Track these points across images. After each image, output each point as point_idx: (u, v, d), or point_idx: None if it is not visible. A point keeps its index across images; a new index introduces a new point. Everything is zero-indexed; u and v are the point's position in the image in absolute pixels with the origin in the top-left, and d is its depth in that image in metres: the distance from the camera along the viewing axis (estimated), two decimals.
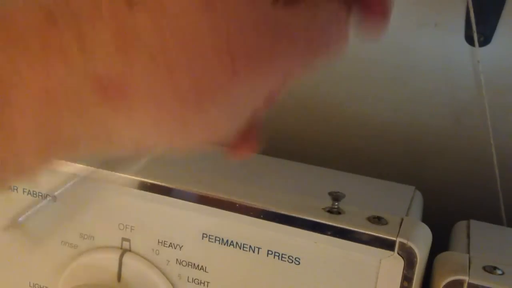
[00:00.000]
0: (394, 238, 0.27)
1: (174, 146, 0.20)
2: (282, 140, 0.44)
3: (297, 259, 0.29)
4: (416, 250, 0.26)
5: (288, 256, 0.29)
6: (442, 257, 0.29)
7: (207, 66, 0.18)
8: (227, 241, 0.30)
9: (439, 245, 0.30)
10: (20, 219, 0.33)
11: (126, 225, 0.32)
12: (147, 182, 0.31)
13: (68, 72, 0.17)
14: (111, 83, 0.17)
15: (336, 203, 0.28)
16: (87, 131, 0.18)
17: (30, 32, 0.17)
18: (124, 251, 0.32)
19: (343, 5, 0.21)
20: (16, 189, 0.34)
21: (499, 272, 0.27)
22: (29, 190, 0.33)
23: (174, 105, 0.18)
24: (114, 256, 0.32)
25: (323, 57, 0.20)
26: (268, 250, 0.29)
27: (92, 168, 0.32)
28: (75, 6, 0.17)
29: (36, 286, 0.35)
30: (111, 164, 0.32)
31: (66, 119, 0.17)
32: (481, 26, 0.38)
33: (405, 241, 0.27)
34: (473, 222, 0.33)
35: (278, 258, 0.29)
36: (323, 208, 0.29)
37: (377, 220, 0.28)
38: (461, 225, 0.33)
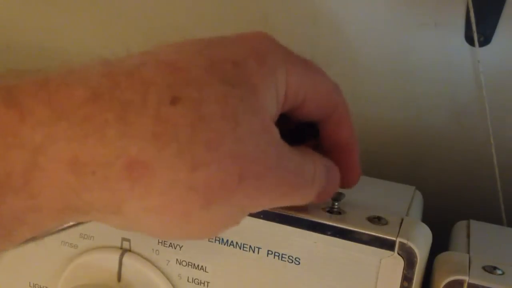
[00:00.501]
0: (394, 238, 0.27)
1: (168, 236, 0.22)
2: None
3: (297, 259, 0.29)
4: (416, 250, 0.26)
5: (288, 256, 0.29)
6: (442, 257, 0.29)
7: (221, 173, 0.20)
8: (227, 241, 0.30)
9: (439, 245, 0.30)
10: None
11: None
12: None
13: (102, 148, 0.18)
14: (140, 163, 0.19)
15: (336, 203, 0.28)
16: (101, 200, 0.19)
17: (73, 106, 0.18)
18: (124, 251, 0.32)
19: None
20: None
21: (499, 272, 0.27)
22: None
23: (186, 195, 0.20)
24: (114, 256, 0.32)
25: (295, 200, 0.24)
26: (268, 250, 0.29)
27: None
28: (122, 93, 0.19)
29: (36, 286, 0.35)
30: None
31: (87, 189, 0.19)
32: (481, 26, 0.38)
33: (405, 241, 0.27)
34: (473, 222, 0.33)
35: (278, 258, 0.29)
36: (323, 208, 0.29)
37: (377, 220, 0.28)
38: (461, 225, 0.33)
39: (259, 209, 0.23)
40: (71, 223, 0.23)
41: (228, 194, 0.20)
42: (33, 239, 0.21)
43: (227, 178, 0.20)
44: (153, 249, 0.32)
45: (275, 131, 0.22)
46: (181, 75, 0.20)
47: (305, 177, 0.23)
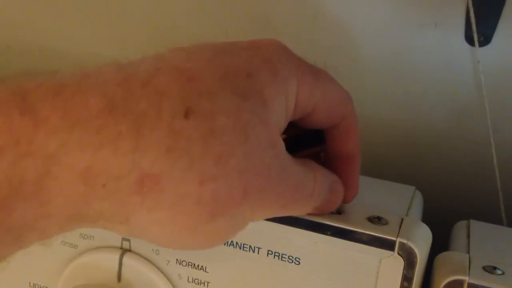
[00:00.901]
0: (394, 238, 0.27)
1: (173, 246, 0.22)
2: None
3: (297, 259, 0.29)
4: (416, 250, 0.26)
5: (288, 256, 0.29)
6: (442, 257, 0.29)
7: (227, 187, 0.20)
8: (227, 241, 0.30)
9: (439, 245, 0.30)
10: None
11: None
12: None
13: (114, 160, 0.18)
14: (151, 177, 0.19)
15: None
16: (110, 211, 0.19)
17: (87, 115, 0.18)
18: (124, 251, 0.32)
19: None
20: None
21: (499, 272, 0.27)
22: None
23: (194, 208, 0.20)
24: (114, 256, 0.32)
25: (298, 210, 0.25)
26: (268, 250, 0.29)
27: None
28: (136, 104, 0.19)
29: (36, 286, 0.35)
30: None
31: (97, 199, 0.19)
32: (481, 26, 0.38)
33: (405, 241, 0.27)
34: (473, 222, 0.33)
35: (278, 258, 0.29)
36: None
37: (377, 220, 0.28)
38: (461, 225, 0.33)
39: (259, 219, 0.23)
40: None
41: (233, 207, 0.21)
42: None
43: (233, 191, 0.20)
44: (153, 249, 0.32)
45: (281, 145, 0.22)
46: (195, 86, 0.20)
47: (305, 192, 0.24)
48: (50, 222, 0.19)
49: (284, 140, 0.25)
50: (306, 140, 0.27)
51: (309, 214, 0.28)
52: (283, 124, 0.23)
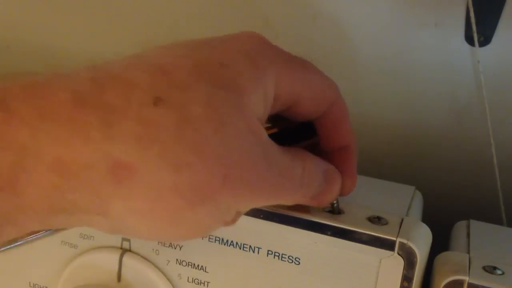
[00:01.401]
0: (394, 238, 0.27)
1: (155, 237, 0.22)
2: None
3: (297, 259, 0.29)
4: (416, 250, 0.26)
5: (288, 256, 0.29)
6: (442, 257, 0.29)
7: (204, 174, 0.20)
8: (227, 241, 0.30)
9: (439, 245, 0.30)
10: None
11: None
12: None
13: (85, 149, 0.19)
14: (123, 165, 0.19)
15: (335, 202, 0.28)
16: (86, 201, 0.20)
17: (57, 108, 0.19)
18: (124, 251, 0.32)
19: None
20: None
21: (499, 272, 0.27)
22: None
23: (170, 197, 0.20)
24: (114, 256, 0.32)
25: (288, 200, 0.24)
26: (268, 250, 0.29)
27: None
28: (106, 95, 0.19)
29: (36, 286, 0.35)
30: None
31: (72, 189, 0.19)
32: (481, 26, 0.38)
33: (405, 241, 0.27)
34: (473, 222, 0.33)
35: (278, 258, 0.29)
36: (323, 208, 0.29)
37: (377, 220, 0.28)
38: (461, 225, 0.33)
39: (248, 209, 0.23)
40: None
41: (212, 195, 0.20)
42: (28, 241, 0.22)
43: (210, 178, 0.20)
44: (153, 249, 0.32)
45: (262, 132, 0.22)
46: (165, 77, 0.20)
47: (293, 178, 0.23)
48: (27, 215, 0.19)
49: (274, 134, 0.25)
50: (298, 134, 0.26)
51: (307, 206, 0.28)
52: (262, 114, 0.23)
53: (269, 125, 0.26)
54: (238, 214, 0.25)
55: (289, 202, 0.25)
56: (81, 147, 0.19)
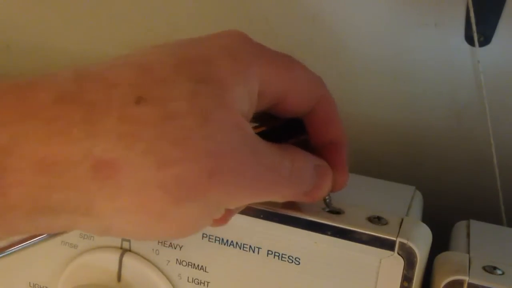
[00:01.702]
0: (394, 238, 0.27)
1: (143, 237, 0.21)
2: None
3: (297, 259, 0.29)
4: (416, 250, 0.26)
5: (288, 256, 0.29)
6: (442, 257, 0.29)
7: (190, 170, 0.20)
8: (227, 241, 0.30)
9: (439, 245, 0.30)
10: None
11: None
12: None
13: (68, 148, 0.19)
14: (106, 163, 0.19)
15: (327, 197, 0.28)
16: (71, 200, 0.19)
17: (38, 108, 0.19)
18: (124, 251, 0.32)
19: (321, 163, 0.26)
20: None
21: (499, 272, 0.27)
22: None
23: (157, 194, 0.20)
24: (114, 256, 0.32)
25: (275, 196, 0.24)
26: (268, 250, 0.29)
27: None
28: (88, 95, 0.19)
29: (36, 286, 0.35)
30: None
31: (56, 188, 0.19)
32: (481, 26, 0.38)
33: (405, 241, 0.27)
34: (473, 222, 0.33)
35: (278, 258, 0.29)
36: (323, 208, 0.29)
37: (377, 220, 0.28)
38: (461, 225, 0.33)
39: (238, 205, 0.23)
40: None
41: (199, 191, 0.20)
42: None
43: (196, 174, 0.20)
44: (153, 249, 0.32)
45: (247, 127, 0.22)
46: (147, 76, 0.20)
47: (281, 173, 0.23)
48: (14, 215, 0.19)
49: (263, 132, 0.25)
50: (287, 131, 0.26)
51: (300, 203, 0.28)
52: (247, 110, 0.22)
53: (257, 124, 0.26)
54: (229, 213, 0.25)
55: (280, 198, 0.25)
56: (64, 146, 0.19)
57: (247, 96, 0.22)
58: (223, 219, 0.24)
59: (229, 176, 0.21)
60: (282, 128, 0.26)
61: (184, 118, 0.20)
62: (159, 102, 0.20)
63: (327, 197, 0.28)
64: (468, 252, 0.29)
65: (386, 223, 0.28)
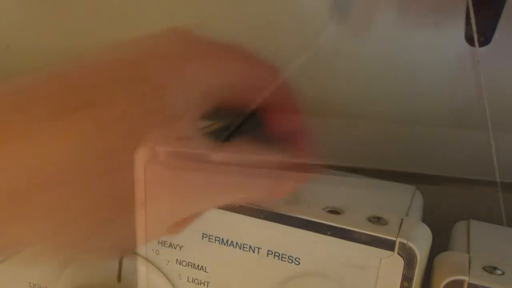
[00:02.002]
0: (394, 238, 0.27)
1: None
2: None
3: (297, 259, 0.29)
4: (416, 250, 0.26)
5: (288, 256, 0.29)
6: (442, 257, 0.29)
7: (99, 207, 0.20)
8: (227, 241, 0.30)
9: (439, 245, 0.30)
10: None
11: None
12: None
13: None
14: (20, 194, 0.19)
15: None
16: None
17: None
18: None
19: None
20: None
21: (499, 272, 0.27)
22: None
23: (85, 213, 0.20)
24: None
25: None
26: (268, 250, 0.29)
27: None
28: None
29: (36, 286, 0.35)
30: None
31: None
32: (481, 26, 0.38)
33: (405, 241, 0.27)
34: (473, 222, 0.33)
35: (278, 258, 0.29)
36: (323, 208, 0.29)
37: (377, 220, 0.28)
38: (461, 225, 0.33)
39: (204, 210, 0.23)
40: None
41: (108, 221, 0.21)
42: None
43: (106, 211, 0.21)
44: (153, 249, 0.32)
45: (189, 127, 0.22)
46: (69, 87, 0.21)
47: (234, 176, 0.23)
48: None
49: (219, 129, 0.24)
50: (244, 126, 0.26)
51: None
52: (192, 106, 0.22)
53: (212, 122, 0.25)
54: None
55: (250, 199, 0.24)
56: None
57: (191, 95, 0.22)
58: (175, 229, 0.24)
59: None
60: (239, 123, 0.25)
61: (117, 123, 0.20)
62: (91, 110, 0.20)
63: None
64: (468, 252, 0.29)
65: (386, 223, 0.28)
